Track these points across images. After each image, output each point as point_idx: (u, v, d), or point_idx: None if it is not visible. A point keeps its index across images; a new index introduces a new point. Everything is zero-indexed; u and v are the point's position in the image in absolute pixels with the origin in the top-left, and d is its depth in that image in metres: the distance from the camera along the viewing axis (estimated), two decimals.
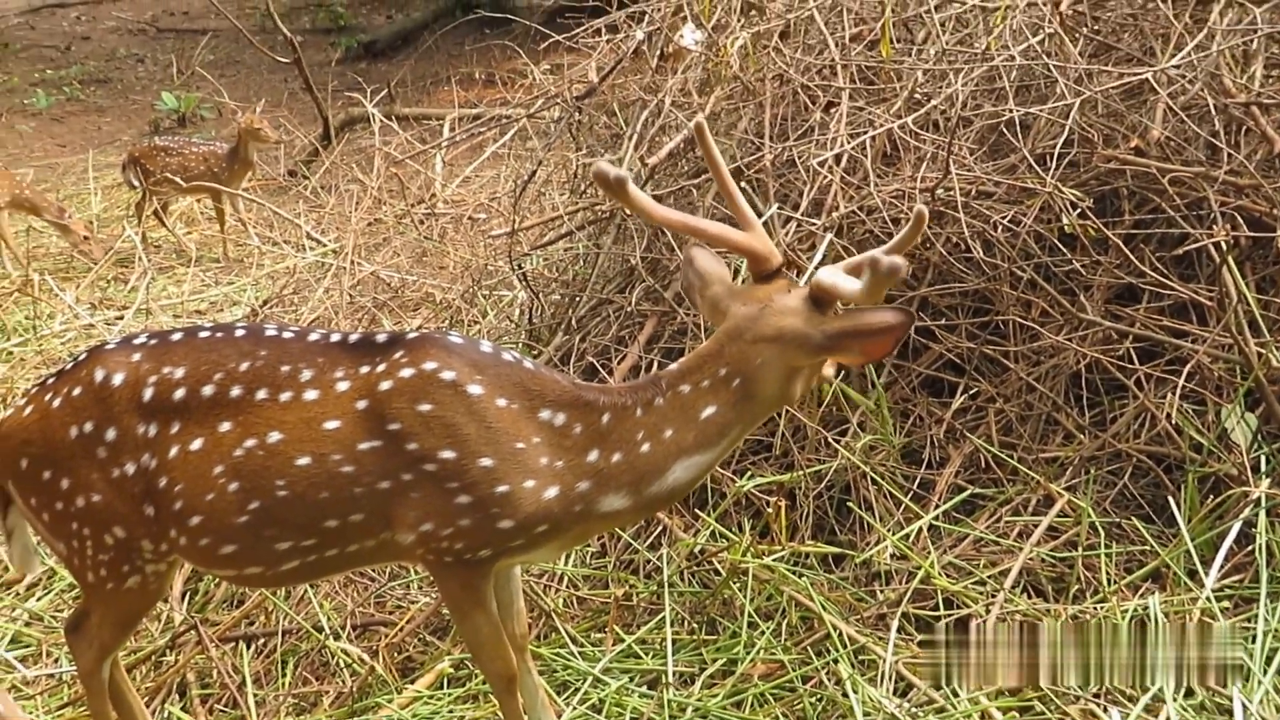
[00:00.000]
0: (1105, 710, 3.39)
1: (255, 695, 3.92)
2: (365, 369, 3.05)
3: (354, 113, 11.67)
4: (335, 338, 3.16)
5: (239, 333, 3.17)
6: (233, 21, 12.93)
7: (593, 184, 5.58)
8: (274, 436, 3.01)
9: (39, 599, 4.56)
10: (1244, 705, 3.35)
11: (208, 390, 3.06)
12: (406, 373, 3.00)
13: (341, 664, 3.98)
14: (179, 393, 3.07)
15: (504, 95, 7.63)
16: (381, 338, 3.15)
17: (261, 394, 3.04)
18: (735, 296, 3.04)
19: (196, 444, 3.04)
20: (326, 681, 3.98)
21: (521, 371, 3.09)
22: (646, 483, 3.04)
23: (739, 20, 5.05)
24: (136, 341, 3.19)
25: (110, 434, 3.08)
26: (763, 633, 3.88)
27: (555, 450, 3.01)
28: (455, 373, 3.00)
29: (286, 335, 3.16)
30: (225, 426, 3.04)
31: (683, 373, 3.03)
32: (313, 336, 3.16)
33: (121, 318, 7.45)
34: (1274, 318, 4.18)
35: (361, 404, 3.00)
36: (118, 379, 3.09)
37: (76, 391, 3.12)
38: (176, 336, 3.19)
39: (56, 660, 4.22)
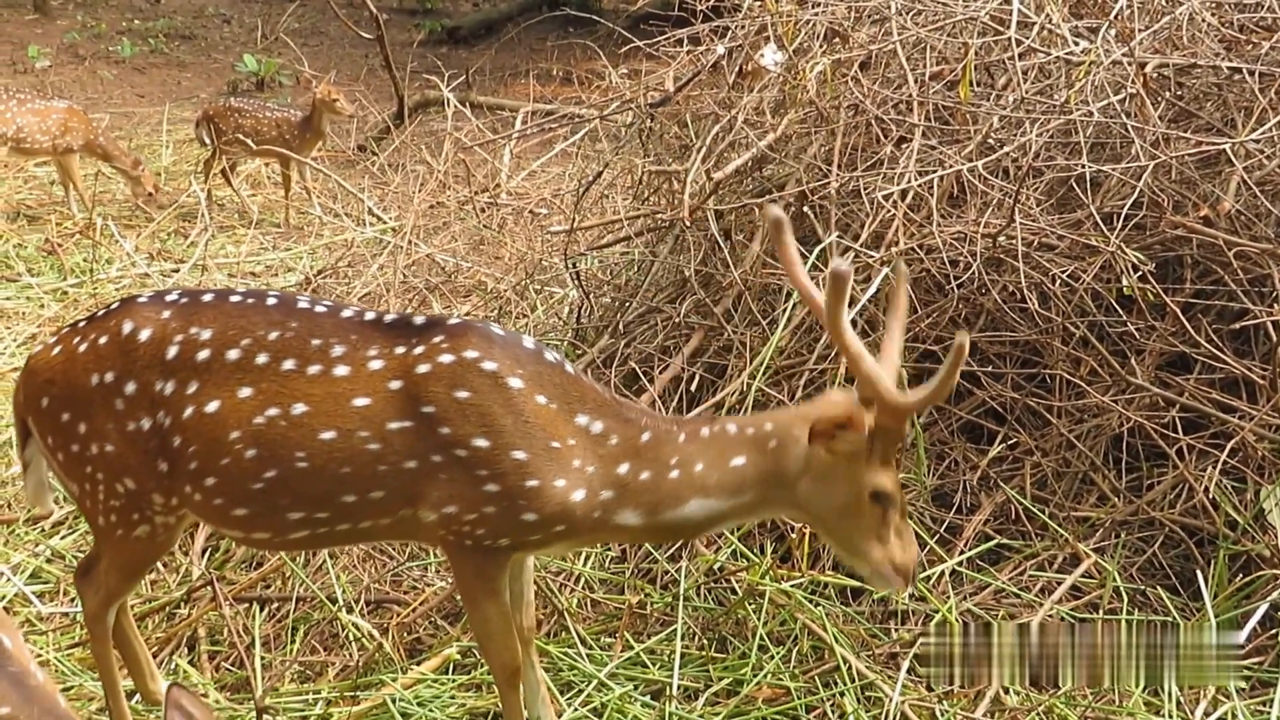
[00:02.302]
0: None
1: (263, 658, 3.94)
2: (401, 350, 3.06)
3: (429, 95, 11.74)
4: (370, 316, 3.18)
5: (270, 301, 3.19)
6: None
7: (657, 193, 5.60)
8: (299, 408, 3.02)
9: (63, 537, 4.61)
10: None
11: (232, 354, 3.07)
12: (446, 358, 3.02)
13: (351, 637, 4.00)
14: (203, 354, 3.08)
15: (579, 94, 7.65)
16: (419, 320, 3.16)
17: (289, 364, 3.06)
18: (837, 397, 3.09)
19: (212, 406, 3.05)
20: (334, 653, 4.00)
21: (563, 374, 3.11)
22: (663, 508, 3.08)
23: (821, 46, 5.03)
24: (169, 298, 3.21)
25: (130, 387, 3.11)
26: (772, 657, 3.86)
27: (588, 455, 3.04)
28: (497, 364, 3.02)
29: (319, 309, 3.18)
30: (245, 392, 3.05)
31: (737, 419, 3.11)
32: (346, 313, 3.18)
33: (177, 270, 7.53)
34: None
35: (395, 384, 3.02)
36: (145, 334, 3.11)
37: (103, 340, 3.15)
38: (208, 298, 3.21)
39: (72, 600, 4.26)
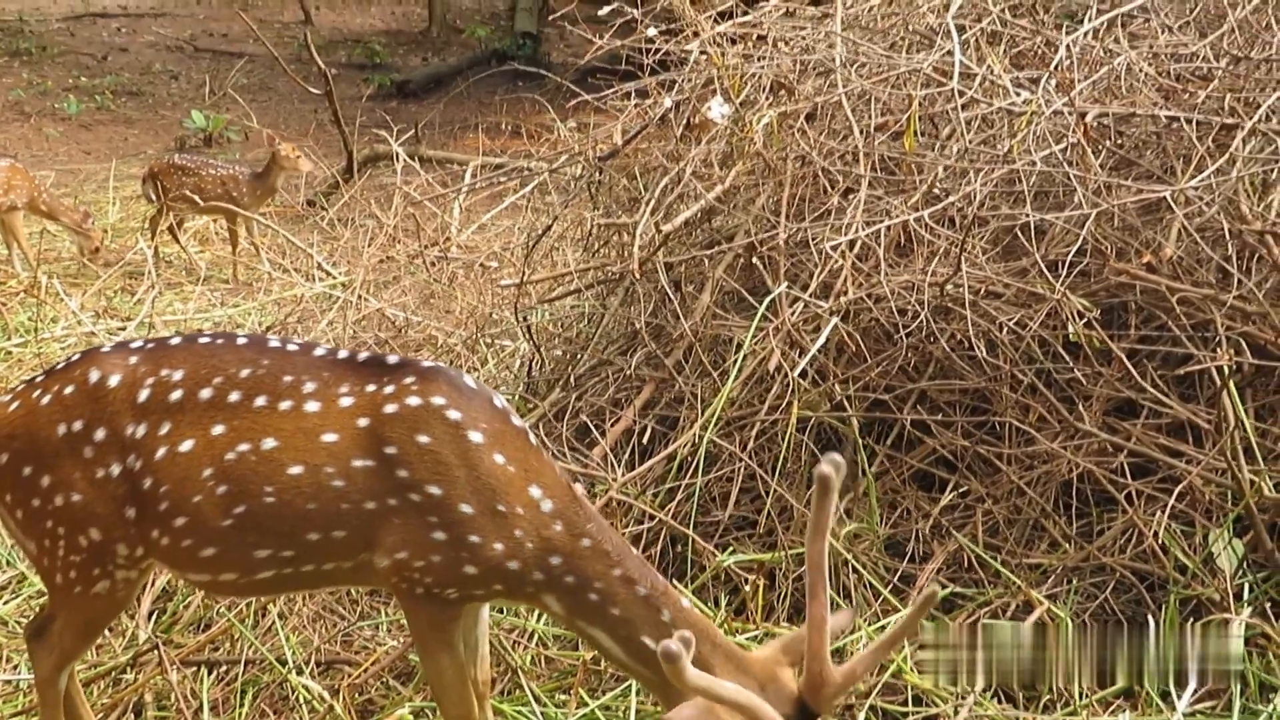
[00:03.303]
0: None
1: None
2: (371, 388, 3.06)
3: (378, 150, 11.71)
4: (343, 354, 3.19)
5: (241, 340, 3.21)
6: (269, 48, 13.04)
7: (606, 245, 5.61)
8: (269, 443, 3.02)
9: (6, 603, 4.52)
10: None
11: (205, 393, 3.08)
12: (413, 401, 3.02)
13: (301, 699, 3.93)
14: (175, 394, 3.08)
15: (528, 148, 7.69)
16: (393, 360, 3.17)
17: (260, 401, 3.06)
18: (773, 653, 2.96)
19: (186, 445, 3.05)
20: (284, 716, 3.93)
21: (525, 442, 3.11)
22: (579, 615, 3.07)
23: (767, 98, 5.08)
24: (134, 345, 3.22)
25: (99, 434, 3.09)
26: None
27: (530, 531, 3.02)
28: (461, 414, 3.02)
29: (291, 347, 3.19)
30: (218, 430, 3.05)
31: (676, 609, 3.00)
32: (319, 351, 3.19)
33: (124, 328, 7.45)
34: (1270, 446, 4.17)
35: (362, 421, 3.02)
36: (114, 380, 3.11)
37: (69, 390, 3.13)
38: (176, 341, 3.23)
39: (16, 666, 4.17)
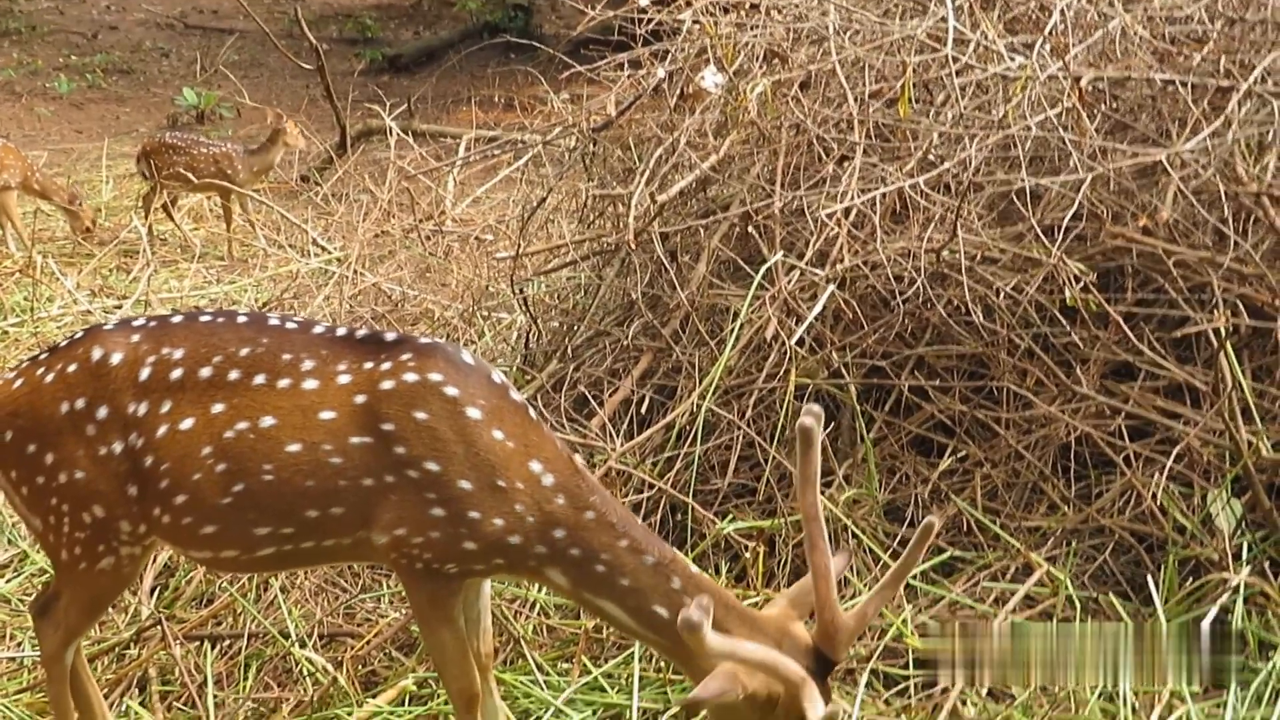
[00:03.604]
0: None
1: (215, 696, 3.89)
2: (369, 365, 3.07)
3: (371, 124, 11.70)
4: (341, 332, 3.19)
5: (241, 319, 3.21)
6: (260, 24, 13.01)
7: (601, 216, 5.61)
8: (267, 421, 3.03)
9: (8, 581, 4.54)
10: None
11: (205, 372, 3.09)
12: (410, 377, 3.02)
13: (305, 672, 3.95)
14: (176, 373, 3.09)
15: (522, 120, 7.66)
16: (390, 337, 3.17)
17: (259, 379, 3.07)
18: (783, 610, 2.99)
19: (187, 423, 3.06)
20: (288, 689, 3.95)
21: (525, 416, 3.11)
22: (585, 587, 3.07)
23: (761, 67, 5.06)
24: (136, 323, 3.23)
25: (102, 411, 3.10)
26: None
27: (531, 505, 3.02)
28: (458, 390, 3.02)
29: (290, 325, 3.20)
30: (218, 408, 3.06)
31: (685, 575, 3.02)
32: (317, 329, 3.20)
33: (120, 307, 7.44)
34: (1267, 407, 4.18)
35: (359, 399, 3.02)
36: (116, 357, 3.12)
37: (72, 368, 3.15)
38: (177, 319, 3.24)
39: (20, 644, 4.19)
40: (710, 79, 5.21)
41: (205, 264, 8.82)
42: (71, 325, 7.09)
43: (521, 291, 5.57)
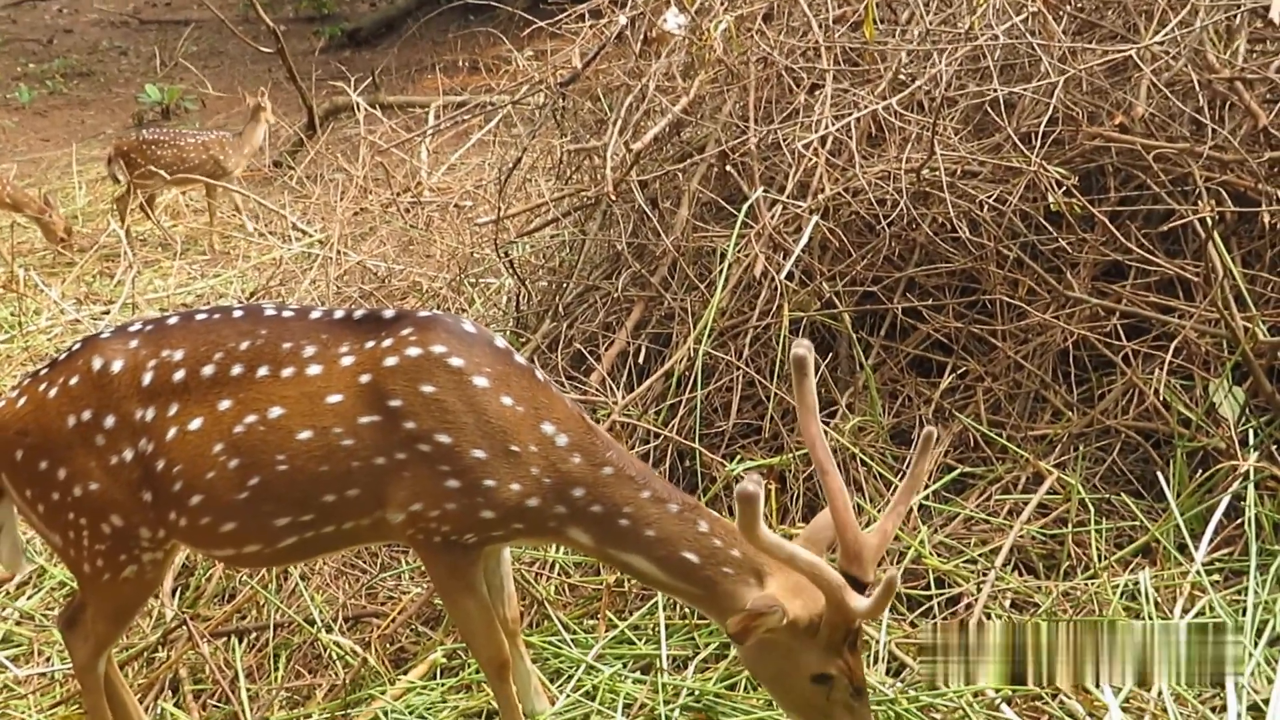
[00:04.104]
0: (1098, 686, 3.39)
1: (248, 690, 3.91)
2: (371, 344, 3.06)
3: (338, 102, 11.61)
4: (339, 314, 3.18)
5: (237, 313, 3.20)
6: (215, 12, 12.90)
7: (579, 171, 5.58)
8: (275, 411, 3.03)
9: (29, 598, 4.54)
10: (1236, 679, 3.35)
11: (208, 370, 3.08)
12: (413, 352, 3.02)
13: (334, 657, 3.97)
14: (178, 374, 3.09)
15: (488, 82, 7.60)
16: (389, 314, 3.16)
17: (263, 371, 3.07)
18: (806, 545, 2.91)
19: (195, 423, 3.06)
20: (319, 674, 3.97)
21: (532, 379, 3.11)
22: (609, 544, 3.07)
23: (723, 3, 5.03)
24: (132, 329, 3.21)
25: (109, 421, 3.10)
26: None
27: (547, 467, 3.02)
28: (463, 360, 3.02)
29: (286, 314, 3.19)
30: (225, 404, 3.06)
31: (711, 519, 3.03)
32: (315, 314, 3.19)
33: (108, 312, 7.42)
34: (1260, 292, 4.19)
35: (365, 378, 3.02)
36: (117, 365, 3.11)
37: (74, 380, 3.14)
38: (173, 320, 3.22)
39: (48, 659, 4.20)
40: (673, 21, 5.17)
41: (188, 260, 8.78)
42: (61, 336, 7.07)
43: (506, 255, 5.55)
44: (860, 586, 2.80)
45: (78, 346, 3.23)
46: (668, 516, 3.00)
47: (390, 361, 3.02)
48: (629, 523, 3.02)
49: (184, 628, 4.10)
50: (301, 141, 10.99)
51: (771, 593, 2.84)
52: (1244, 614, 3.59)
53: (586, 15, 5.60)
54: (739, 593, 2.92)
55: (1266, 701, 3.30)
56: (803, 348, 2.78)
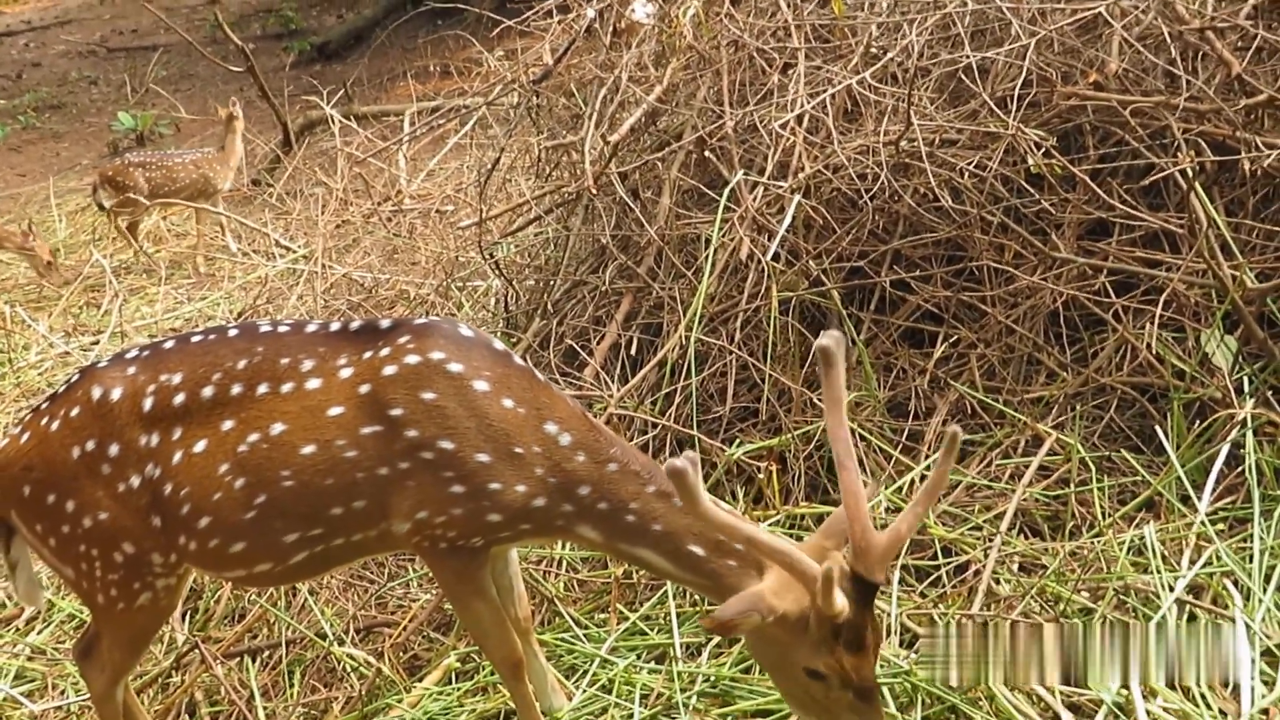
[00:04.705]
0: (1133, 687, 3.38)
1: (265, 708, 3.91)
2: (369, 354, 3.06)
3: (312, 116, 11.58)
4: (335, 326, 3.18)
5: (232, 332, 3.20)
6: (183, 35, 12.85)
7: (558, 167, 5.57)
8: (277, 428, 3.03)
9: (39, 632, 4.54)
10: (1246, 624, 3.36)
11: (208, 392, 3.08)
12: (412, 359, 3.02)
13: (348, 669, 3.97)
14: (179, 398, 3.09)
15: (461, 85, 7.58)
16: (385, 323, 3.15)
17: (263, 388, 3.07)
18: (817, 541, 2.87)
19: (200, 446, 3.06)
20: (335, 687, 3.97)
21: (532, 379, 3.10)
22: (618, 539, 3.05)
23: None
24: (129, 355, 3.21)
25: (113, 449, 3.10)
26: None
27: (551, 467, 3.02)
28: (462, 365, 3.01)
29: (282, 329, 3.18)
30: (228, 425, 3.06)
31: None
32: (310, 327, 3.18)
33: (97, 342, 7.40)
34: (1245, 239, 4.19)
35: (364, 388, 3.02)
36: (116, 393, 3.11)
37: (75, 412, 3.13)
38: (169, 344, 3.21)
39: (63, 692, 4.20)
40: (641, 10, 5.17)
41: (173, 285, 8.76)
42: (52, 370, 7.05)
43: (492, 256, 5.55)
44: (869, 586, 2.71)
45: (76, 378, 3.23)
46: (673, 510, 2.98)
47: (389, 370, 3.01)
48: (635, 518, 3.01)
49: (196, 651, 4.10)
50: (279, 158, 10.99)
51: (759, 589, 2.76)
52: (1250, 560, 3.60)
53: (555, 11, 5.60)
54: (743, 585, 2.87)
55: (1279, 647, 3.31)
56: (829, 338, 2.73)
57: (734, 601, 2.70)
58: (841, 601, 2.62)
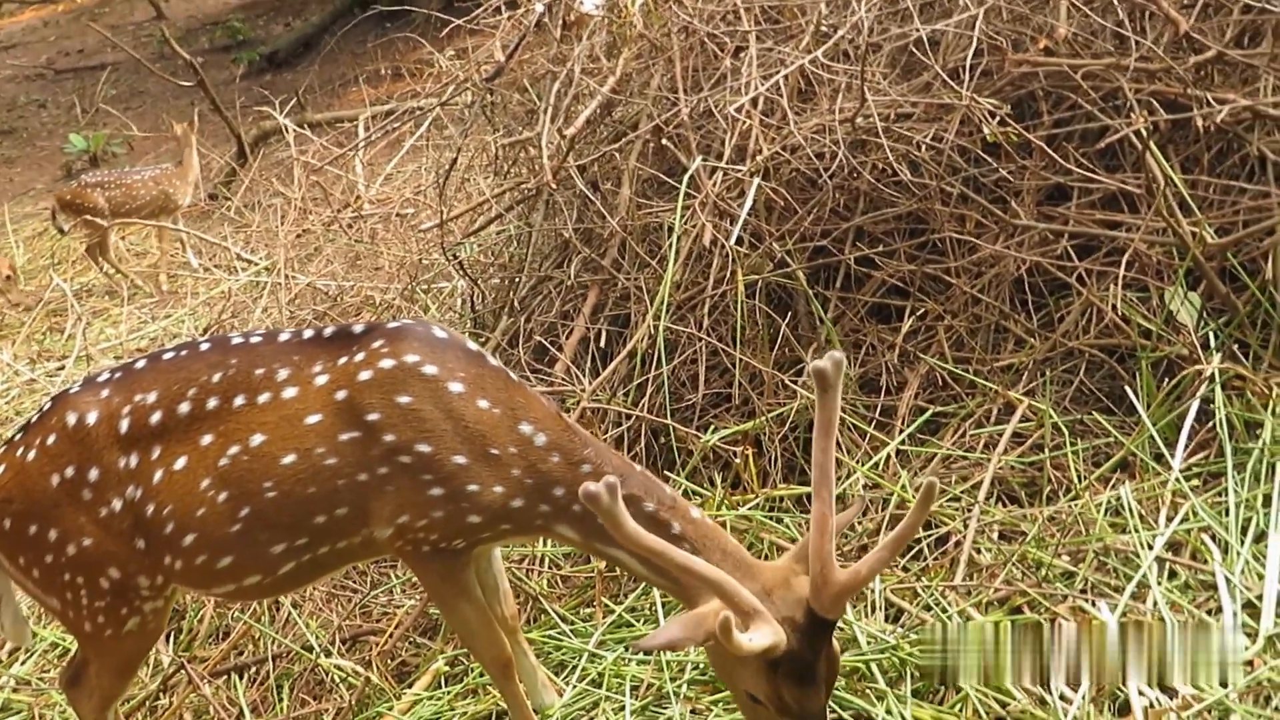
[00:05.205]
0: (1093, 604, 3.42)
1: None
2: (343, 360, 3.04)
3: (266, 126, 11.54)
4: (308, 334, 3.16)
5: (204, 347, 3.17)
6: (130, 52, 12.77)
7: (516, 164, 5.56)
8: (257, 439, 3.01)
9: (22, 664, 4.50)
10: (1226, 578, 3.39)
11: (184, 408, 3.06)
12: (386, 364, 3.00)
13: (337, 679, 3.96)
14: (155, 417, 3.06)
15: (414, 87, 7.55)
16: (358, 328, 3.13)
17: (239, 400, 3.05)
18: (787, 563, 2.85)
19: (180, 463, 3.04)
20: (324, 699, 3.95)
21: (506, 380, 3.09)
22: (594, 538, 3.02)
23: None
24: (101, 379, 3.18)
25: (93, 474, 3.07)
26: None
27: (528, 468, 3.00)
28: (437, 368, 3.00)
29: (254, 340, 3.16)
30: (207, 439, 3.04)
31: (686, 520, 2.95)
32: (283, 336, 3.16)
33: (63, 368, 7.34)
34: (1202, 195, 4.22)
35: (340, 395, 3.00)
36: (92, 417, 3.08)
37: (51, 440, 3.10)
38: (141, 364, 3.19)
39: None
40: (589, 2, 5.15)
41: (136, 305, 8.70)
42: (19, 398, 6.99)
43: (455, 257, 5.53)
44: (824, 623, 2.68)
45: (49, 405, 3.20)
46: (643, 515, 2.94)
47: (364, 376, 3.00)
48: None
49: (183, 671, 4.08)
50: (234, 171, 10.92)
51: (700, 614, 2.70)
52: (1226, 514, 3.62)
53: (503, 7, 5.57)
54: (703, 595, 2.81)
55: (1260, 598, 3.34)
56: (828, 361, 2.60)
57: (666, 628, 2.69)
58: (753, 642, 2.57)
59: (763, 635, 2.59)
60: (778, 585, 2.78)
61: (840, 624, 3.48)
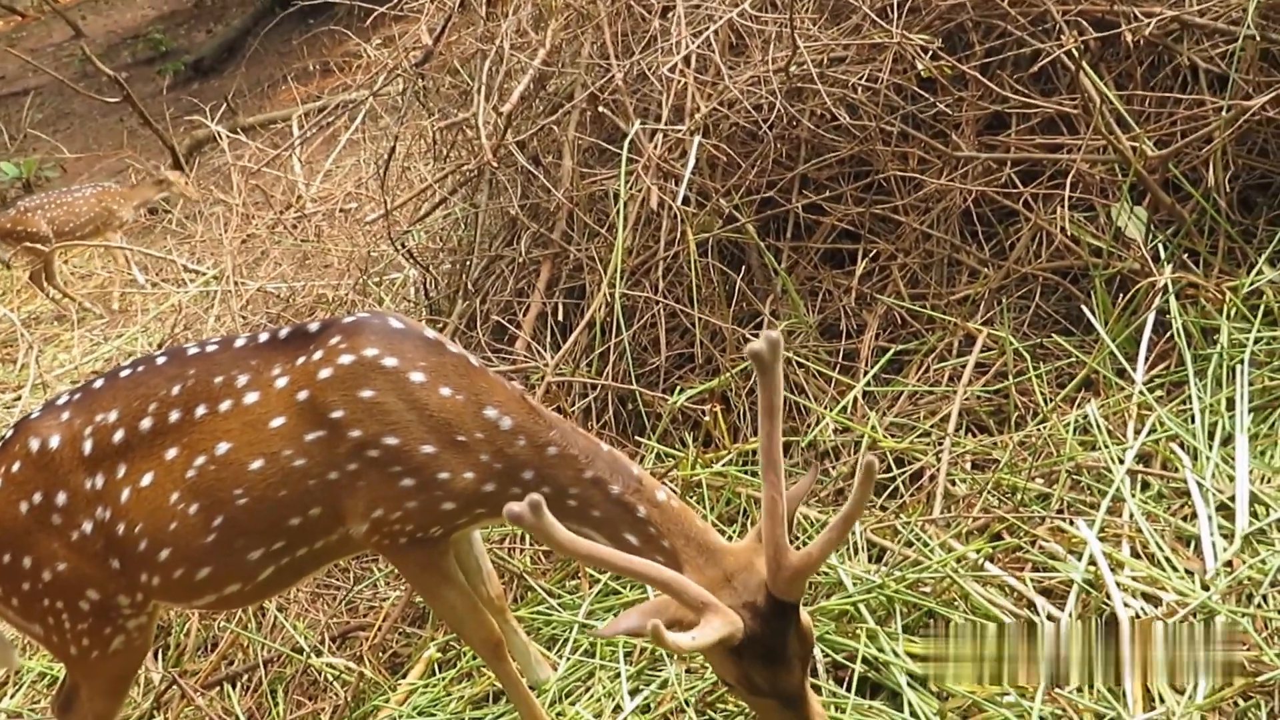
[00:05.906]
0: (1071, 523, 3.46)
1: None
2: (301, 360, 3.02)
3: (198, 135, 11.42)
4: (264, 337, 3.13)
5: (160, 360, 3.14)
6: (53, 75, 12.61)
7: (455, 147, 5.53)
8: (222, 447, 2.99)
9: (11, 696, 4.47)
10: (1198, 484, 3.44)
11: (146, 424, 3.03)
12: (345, 359, 2.98)
13: (330, 678, 3.95)
14: (118, 435, 3.03)
15: (344, 81, 7.51)
16: (314, 327, 3.10)
17: (201, 410, 3.02)
18: (750, 543, 2.81)
19: (147, 479, 3.01)
20: (320, 699, 3.95)
21: (468, 365, 3.06)
22: (566, 520, 2.94)
23: None
24: (60, 402, 3.16)
25: (61, 498, 3.04)
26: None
27: (495, 453, 2.98)
28: (396, 359, 2.98)
29: (210, 348, 3.13)
30: (172, 453, 3.01)
31: (651, 504, 2.92)
32: (239, 342, 3.13)
33: (19, 398, 7.26)
34: (1139, 110, 4.25)
35: (302, 395, 2.98)
36: (55, 441, 3.06)
37: (15, 467, 3.08)
38: (99, 384, 3.16)
39: None
40: None
41: (87, 327, 8.61)
42: None
43: (404, 246, 5.50)
44: (782, 606, 2.67)
45: (10, 434, 3.17)
46: (607, 499, 2.94)
47: (324, 374, 2.98)
48: (576, 504, 2.97)
49: (175, 686, 4.06)
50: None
51: (660, 602, 2.67)
52: (1192, 421, 3.67)
53: None
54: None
55: (1232, 499, 3.39)
56: (763, 341, 2.53)
57: (625, 617, 2.63)
58: (697, 640, 2.53)
59: (712, 629, 2.56)
60: (741, 569, 2.76)
61: (824, 569, 3.51)
